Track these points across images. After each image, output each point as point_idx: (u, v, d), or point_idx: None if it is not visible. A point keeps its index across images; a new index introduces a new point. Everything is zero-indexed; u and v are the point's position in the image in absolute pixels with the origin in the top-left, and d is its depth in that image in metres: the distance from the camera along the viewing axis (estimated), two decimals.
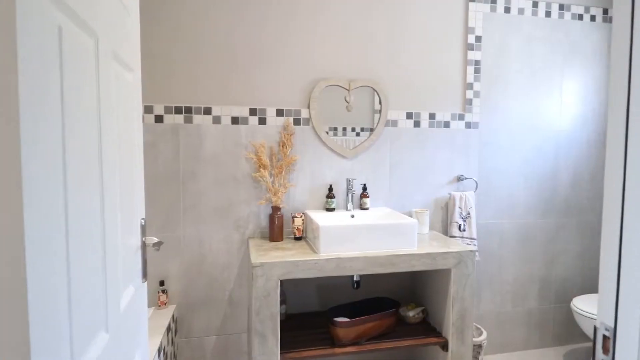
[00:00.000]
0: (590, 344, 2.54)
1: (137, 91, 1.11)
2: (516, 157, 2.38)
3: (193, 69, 1.96)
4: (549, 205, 2.46)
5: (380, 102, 2.16)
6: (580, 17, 2.41)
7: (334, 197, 2.08)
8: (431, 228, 2.25)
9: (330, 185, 2.09)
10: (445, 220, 2.30)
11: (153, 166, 1.93)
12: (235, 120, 2.01)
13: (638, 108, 0.62)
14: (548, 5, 2.35)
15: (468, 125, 2.29)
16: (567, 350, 2.53)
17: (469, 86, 2.27)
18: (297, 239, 2.00)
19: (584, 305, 2.20)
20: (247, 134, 2.02)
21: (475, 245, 2.24)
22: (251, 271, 1.65)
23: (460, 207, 2.23)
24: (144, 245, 1.10)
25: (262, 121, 2.04)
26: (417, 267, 1.79)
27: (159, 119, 1.94)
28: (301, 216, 1.99)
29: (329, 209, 2.08)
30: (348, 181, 2.09)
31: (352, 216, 2.07)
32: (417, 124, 2.22)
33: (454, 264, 1.83)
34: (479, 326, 2.26)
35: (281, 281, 1.68)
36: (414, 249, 1.83)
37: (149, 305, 1.95)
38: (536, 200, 2.43)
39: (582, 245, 2.54)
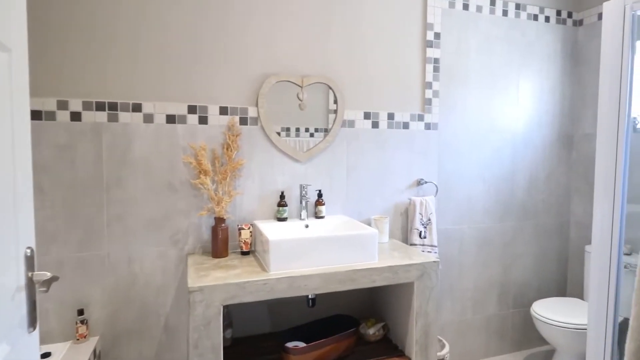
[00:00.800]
0: (548, 347, 2.52)
1: (19, 76, 0.83)
2: (475, 159, 2.30)
3: (118, 58, 1.66)
4: (507, 208, 2.40)
5: (336, 101, 1.97)
6: (536, 17, 2.37)
7: (286, 206, 1.87)
8: (391, 236, 2.11)
9: (282, 192, 1.88)
10: (405, 227, 2.17)
11: (70, 172, 1.62)
12: (171, 119, 1.74)
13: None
14: (505, 4, 2.29)
15: (427, 126, 2.17)
16: (525, 356, 2.49)
17: (428, 85, 2.15)
18: (245, 253, 1.76)
19: (543, 310, 2.15)
20: (185, 134, 1.76)
21: (436, 252, 2.12)
22: (188, 297, 1.40)
23: (420, 213, 2.10)
24: (30, 283, 0.82)
25: (203, 120, 1.78)
26: (378, 282, 1.63)
27: (75, 116, 1.62)
28: (249, 228, 1.76)
29: (280, 219, 1.86)
30: (302, 187, 1.89)
31: (307, 226, 1.87)
32: (375, 125, 2.07)
33: (417, 276, 1.69)
34: (441, 338, 2.15)
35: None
36: (375, 262, 1.66)
37: (65, 339, 1.63)
38: (494, 203, 2.37)
39: (538, 248, 2.51)
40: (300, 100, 1.92)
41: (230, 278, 1.47)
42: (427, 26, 2.12)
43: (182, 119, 1.75)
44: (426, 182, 2.18)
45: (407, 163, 2.14)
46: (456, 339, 2.34)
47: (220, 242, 1.71)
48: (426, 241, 2.11)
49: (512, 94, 2.35)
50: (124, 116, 1.68)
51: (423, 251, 2.09)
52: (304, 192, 1.88)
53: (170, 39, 1.72)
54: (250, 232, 1.77)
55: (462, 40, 2.21)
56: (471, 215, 2.32)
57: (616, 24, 1.40)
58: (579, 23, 2.48)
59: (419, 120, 2.15)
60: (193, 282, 1.43)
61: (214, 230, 1.71)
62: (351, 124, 2.02)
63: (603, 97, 1.47)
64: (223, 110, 1.81)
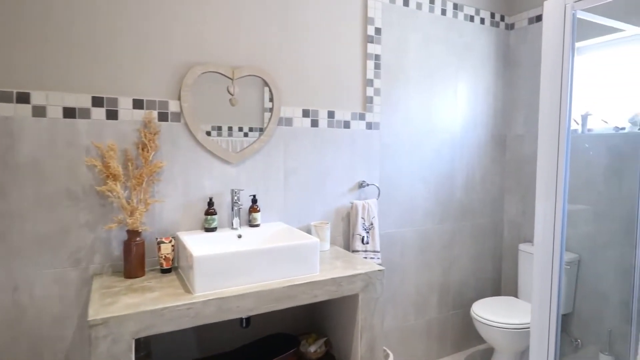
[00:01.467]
0: (486, 346, 2.55)
1: None
2: (416, 160, 2.24)
3: None
4: (447, 209, 2.38)
5: (271, 97, 1.78)
6: (472, 18, 2.38)
7: (216, 214, 1.64)
8: (332, 242, 1.97)
9: (211, 199, 1.65)
10: (347, 232, 2.04)
11: None
12: (69, 113, 1.43)
13: None
14: (443, 2, 2.26)
15: (369, 125, 2.06)
16: (465, 356, 2.49)
17: (369, 83, 2.04)
18: (166, 271, 1.51)
19: (483, 312, 2.14)
20: (89, 131, 1.46)
21: (379, 258, 2.02)
22: (89, 332, 1.13)
23: (363, 218, 1.99)
24: None
25: (112, 115, 1.50)
26: (320, 296, 1.47)
27: None
28: (170, 241, 1.51)
29: (209, 229, 1.63)
30: (233, 192, 1.67)
31: (240, 236, 1.66)
32: (315, 123, 1.91)
33: (362, 287, 1.56)
34: (385, 348, 2.05)
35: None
36: (316, 274, 1.50)
37: None
38: (435, 205, 2.33)
39: (475, 248, 2.53)
40: (231, 94, 1.70)
41: (146, 304, 1.22)
42: (367, 20, 2.01)
43: (85, 113, 1.45)
44: (368, 185, 2.07)
45: (348, 164, 2.01)
46: (399, 346, 2.27)
47: (135, 260, 1.44)
48: (369, 247, 2.00)
49: (450, 95, 2.33)
50: (5, 108, 1.34)
51: (366, 257, 1.98)
52: (236, 198, 1.67)
53: (68, 13, 1.41)
54: (172, 246, 1.52)
55: (402, 37, 2.13)
56: (412, 218, 2.26)
57: (557, 24, 1.38)
58: (510, 27, 2.53)
59: (360, 119, 2.03)
60: (95, 312, 1.16)
61: (127, 246, 1.44)
62: (289, 122, 1.84)
63: (544, 97, 1.45)
64: (138, 104, 1.54)
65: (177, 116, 1.61)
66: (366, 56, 2.02)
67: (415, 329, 2.33)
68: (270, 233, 1.71)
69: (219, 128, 1.71)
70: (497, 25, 2.48)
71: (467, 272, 2.51)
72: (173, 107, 1.60)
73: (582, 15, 1.49)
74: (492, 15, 2.45)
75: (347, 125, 2.00)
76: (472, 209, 2.49)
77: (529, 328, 2.01)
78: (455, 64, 2.33)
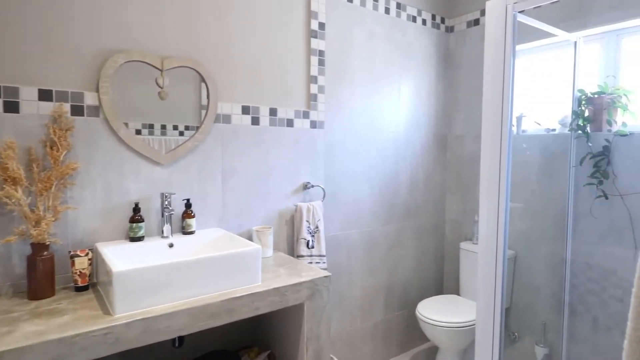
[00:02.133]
0: (430, 344, 2.57)
1: None
2: (362, 160, 2.19)
3: None
4: (392, 210, 2.37)
5: (208, 91, 1.63)
6: (414, 19, 2.38)
7: (143, 221, 1.46)
8: (275, 248, 1.85)
9: (137, 204, 1.46)
10: (291, 236, 1.94)
11: None
12: None
13: None
14: (387, 1, 2.23)
15: (313, 124, 1.97)
16: (410, 356, 2.49)
17: (313, 80, 1.96)
18: (81, 289, 1.30)
19: (427, 312, 2.14)
20: None
21: (324, 262, 1.94)
22: None
23: (308, 221, 1.90)
24: None
25: (12, 107, 1.26)
26: (263, 308, 1.35)
27: None
28: (87, 254, 1.31)
29: (135, 238, 1.44)
30: (164, 197, 1.50)
31: (171, 245, 1.49)
32: (255, 121, 1.78)
33: (308, 295, 1.46)
34: (332, 356, 1.97)
35: None
36: (258, 284, 1.38)
37: None
38: (380, 206, 2.30)
39: (418, 248, 2.54)
40: (160, 87, 1.52)
41: (52, 331, 1.03)
42: (311, 14, 1.92)
43: None
44: (313, 186, 1.98)
45: (292, 165, 1.91)
46: (345, 352, 2.21)
47: (41, 277, 1.22)
48: (314, 251, 1.91)
49: (394, 94, 2.31)
50: None
51: (311, 262, 1.89)
52: (166, 203, 1.50)
53: None
54: (90, 259, 1.32)
55: (347, 34, 2.07)
56: (358, 219, 2.21)
57: (498, 24, 1.38)
58: (450, 29, 2.58)
59: (304, 117, 1.94)
60: None
61: (31, 262, 1.22)
62: (227, 119, 1.70)
63: (487, 98, 1.45)
64: (45, 95, 1.31)
65: (95, 110, 1.40)
66: (310, 52, 1.93)
67: (362, 333, 2.28)
68: (206, 241, 1.56)
69: (151, 126, 1.53)
70: (437, 27, 2.51)
71: (412, 272, 2.51)
72: (90, 99, 1.39)
73: (519, 18, 1.52)
74: (434, 17, 2.48)
75: (290, 123, 1.89)
76: (416, 209, 2.50)
77: (472, 326, 2.04)
78: (399, 63, 2.32)
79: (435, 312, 2.14)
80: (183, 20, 1.57)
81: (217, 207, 1.69)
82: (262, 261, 1.58)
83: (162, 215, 1.50)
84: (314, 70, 1.95)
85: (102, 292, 1.27)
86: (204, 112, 1.63)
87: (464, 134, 2.54)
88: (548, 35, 1.89)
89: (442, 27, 2.54)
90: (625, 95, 1.82)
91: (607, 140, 1.85)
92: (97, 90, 1.40)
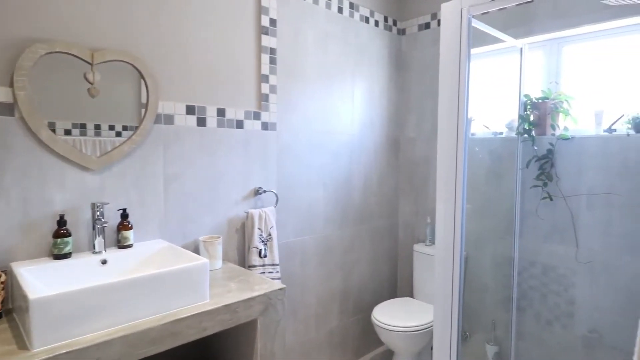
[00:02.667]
0: (384, 348, 2.55)
1: None
2: (315, 163, 2.12)
3: None
4: (346, 214, 2.32)
5: (147, 89, 1.47)
6: (367, 20, 2.35)
7: (69, 235, 1.28)
8: (225, 259, 1.73)
9: (62, 216, 1.28)
10: (242, 246, 1.82)
11: None
12: None
13: None
14: (340, 0, 2.18)
15: (265, 126, 1.87)
16: None
17: (265, 79, 1.85)
18: None
19: (383, 316, 2.12)
20: None
21: (278, 272, 1.84)
22: None
23: (260, 228, 1.79)
24: None
25: None
26: (211, 328, 1.23)
27: None
28: None
29: (60, 255, 1.26)
30: (95, 207, 1.32)
31: (104, 262, 1.32)
32: (202, 122, 1.65)
33: (261, 310, 1.36)
34: None
35: None
36: (206, 302, 1.25)
37: None
38: (334, 210, 2.25)
39: (373, 251, 2.52)
40: (90, 83, 1.35)
41: None
42: (262, 10, 1.82)
43: None
44: (265, 191, 1.87)
45: (242, 169, 1.79)
46: None
47: None
48: (267, 260, 1.81)
49: (348, 96, 2.27)
50: None
51: (264, 272, 1.78)
52: (98, 214, 1.32)
53: None
54: (2, 282, 1.12)
55: (300, 32, 1.99)
56: (313, 225, 2.13)
57: (454, 27, 1.37)
58: (402, 32, 2.58)
59: (255, 118, 1.82)
60: None
61: None
62: (169, 119, 1.55)
63: (443, 101, 1.44)
64: None
65: (9, 108, 1.20)
66: (261, 49, 1.83)
67: (317, 342, 2.21)
68: (146, 255, 1.40)
69: (83, 126, 1.35)
70: (390, 29, 2.50)
71: (367, 276, 2.48)
72: (2, 96, 1.19)
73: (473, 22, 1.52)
74: (386, 19, 2.47)
75: (240, 125, 1.77)
76: (370, 212, 2.47)
77: (428, 329, 2.04)
78: (353, 64, 2.28)
79: (391, 316, 2.12)
80: (117, 9, 1.40)
81: (158, 216, 1.53)
82: (211, 274, 1.46)
83: (94, 227, 1.32)
84: (265, 69, 1.85)
85: (19, 322, 1.09)
86: (144, 111, 1.47)
87: (416, 137, 2.55)
88: (497, 40, 1.93)
89: (395, 29, 2.54)
90: (566, 100, 1.91)
91: (550, 143, 1.92)
92: (12, 85, 1.20)
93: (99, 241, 1.33)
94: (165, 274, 1.17)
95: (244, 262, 1.81)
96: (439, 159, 1.48)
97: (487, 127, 2.20)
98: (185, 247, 1.59)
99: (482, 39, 1.89)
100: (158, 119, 1.51)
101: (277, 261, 1.84)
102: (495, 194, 2.19)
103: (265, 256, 1.80)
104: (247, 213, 1.78)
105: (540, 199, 1.97)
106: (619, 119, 1.76)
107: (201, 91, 1.64)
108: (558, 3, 1.90)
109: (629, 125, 1.71)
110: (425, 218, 2.47)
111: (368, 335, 2.49)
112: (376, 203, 2.51)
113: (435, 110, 1.63)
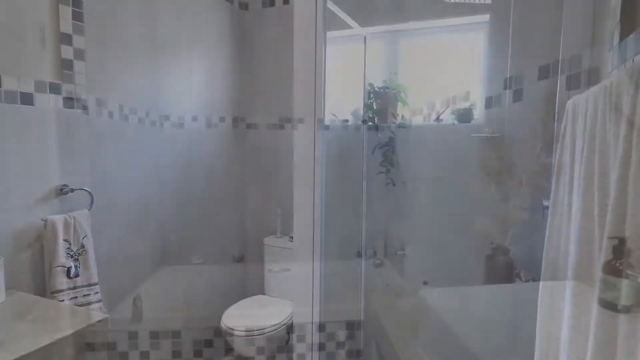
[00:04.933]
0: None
1: None
2: (147, 152, 1.74)
3: None
4: (185, 210, 2.00)
5: None
6: None
7: None
8: (12, 288, 1.22)
9: None
10: (40, 266, 1.33)
11: None
12: None
13: None
14: None
15: (69, 103, 1.40)
16: None
17: (67, 39, 1.38)
18: None
19: (233, 321, 1.90)
20: None
21: (97, 292, 1.43)
22: None
23: (66, 240, 1.34)
24: None
25: None
26: None
27: None
28: None
29: None
30: None
31: None
32: None
33: (74, 354, 0.98)
34: None
35: None
36: None
37: None
38: (173, 204, 1.90)
39: (220, 250, 2.26)
40: None
41: None
42: None
43: None
44: (73, 190, 1.41)
45: (36, 161, 1.30)
46: None
47: None
48: (80, 280, 1.37)
49: (184, 74, 1.93)
50: None
51: (76, 297, 1.35)
52: None
53: None
54: None
55: None
56: (145, 226, 1.75)
57: (309, 7, 1.22)
58: (244, 7, 2.34)
59: (53, 92, 1.34)
60: None
61: None
62: None
63: (298, 87, 1.29)
64: None
65: None
66: None
67: None
68: None
69: None
70: (231, 1, 2.23)
71: (214, 278, 2.22)
72: None
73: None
74: None
75: (28, 99, 1.27)
76: (214, 206, 2.20)
77: (284, 326, 1.92)
78: (189, 37, 1.94)
79: (243, 319, 1.92)
80: None
81: None
82: None
83: None
84: (67, 26, 1.37)
85: None
86: None
87: (261, 122, 2.37)
88: (346, 26, 1.89)
89: (236, 1, 2.28)
90: (403, 91, 2.01)
91: (392, 131, 2.00)
92: None
93: None
94: None
95: (44, 290, 1.33)
96: (296, 147, 1.33)
97: (335, 115, 2.18)
98: None
99: (334, 23, 1.82)
100: None
101: (95, 279, 1.42)
102: (344, 181, 2.20)
103: (77, 275, 1.36)
104: (46, 221, 1.31)
105: (385, 184, 2.05)
106: (445, 110, 1.93)
107: None
108: None
109: (454, 116, 1.90)
110: (276, 209, 2.33)
111: (217, 344, 2.23)
112: (221, 195, 2.25)
113: (284, 94, 1.47)
